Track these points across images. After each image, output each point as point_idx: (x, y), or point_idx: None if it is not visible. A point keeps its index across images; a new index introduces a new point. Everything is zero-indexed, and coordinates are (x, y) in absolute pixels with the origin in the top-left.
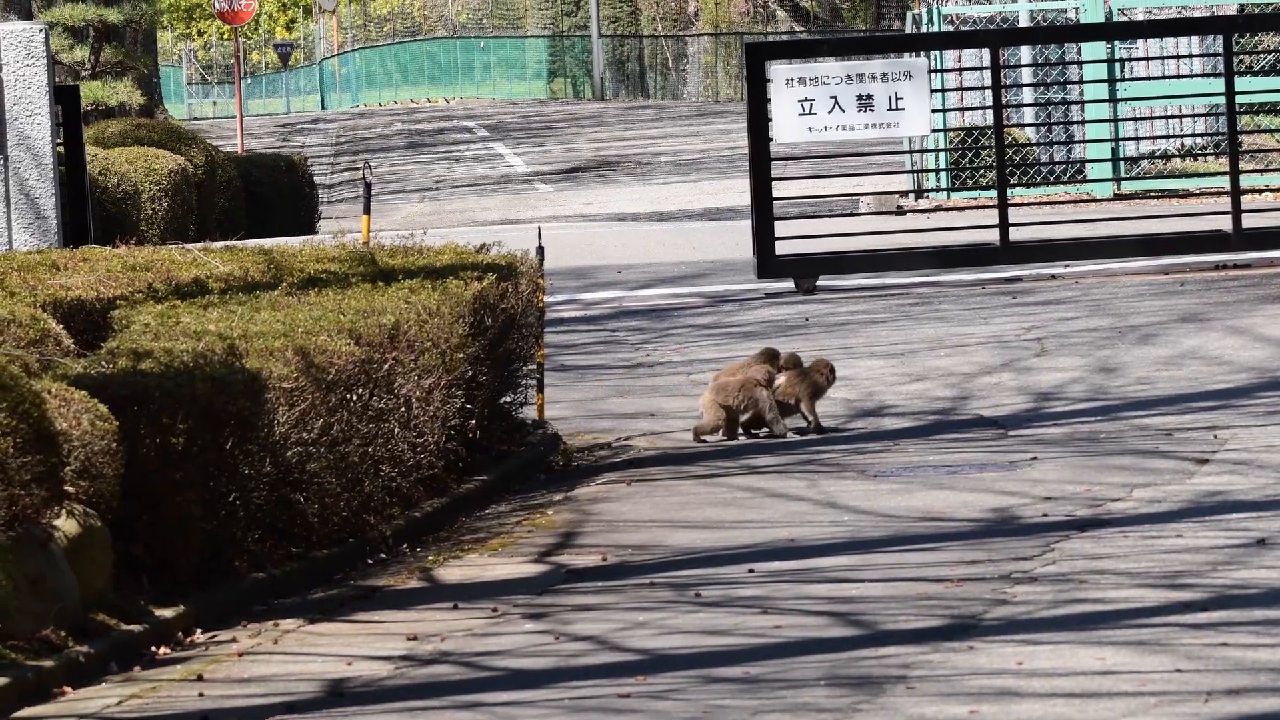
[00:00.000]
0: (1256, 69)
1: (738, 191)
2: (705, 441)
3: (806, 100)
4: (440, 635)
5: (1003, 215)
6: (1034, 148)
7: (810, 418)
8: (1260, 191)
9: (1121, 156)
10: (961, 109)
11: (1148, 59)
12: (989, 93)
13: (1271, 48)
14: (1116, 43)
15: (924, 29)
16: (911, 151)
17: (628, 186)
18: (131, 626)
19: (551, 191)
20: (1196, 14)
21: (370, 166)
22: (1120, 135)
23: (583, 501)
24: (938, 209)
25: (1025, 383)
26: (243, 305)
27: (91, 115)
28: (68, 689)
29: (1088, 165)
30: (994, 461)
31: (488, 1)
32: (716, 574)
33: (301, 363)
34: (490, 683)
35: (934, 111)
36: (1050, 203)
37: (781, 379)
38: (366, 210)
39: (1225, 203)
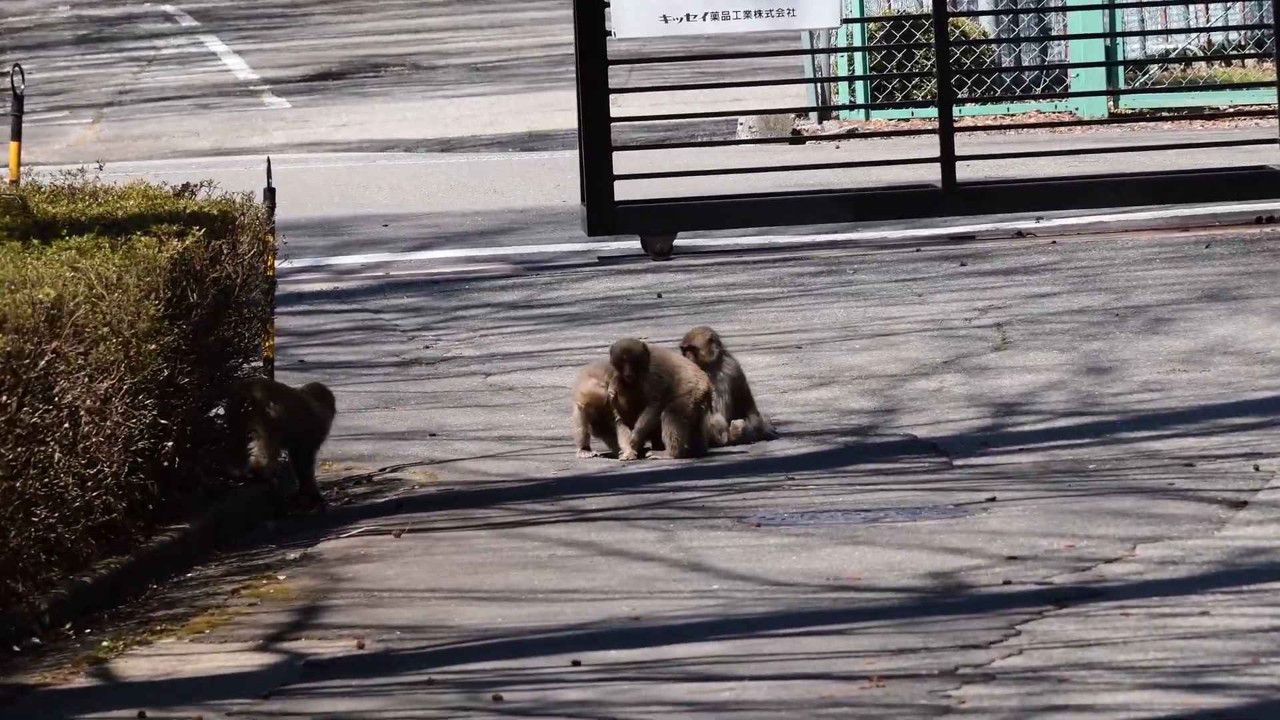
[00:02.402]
0: None
1: (560, 109)
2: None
3: None
4: None
5: (947, 144)
6: (992, 46)
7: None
8: None
9: (1120, 60)
10: None
11: None
12: None
13: None
14: None
15: None
16: (814, 52)
17: (400, 101)
18: None
19: (288, 108)
20: None
21: (21, 71)
22: (1119, 29)
23: (330, 561)
24: (852, 134)
25: (979, 389)
26: None
27: None
28: None
29: (1070, 73)
30: (933, 504)
31: None
32: (526, 668)
33: None
34: None
35: None
36: (1016, 126)
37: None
38: (16, 135)
39: (1271, 126)
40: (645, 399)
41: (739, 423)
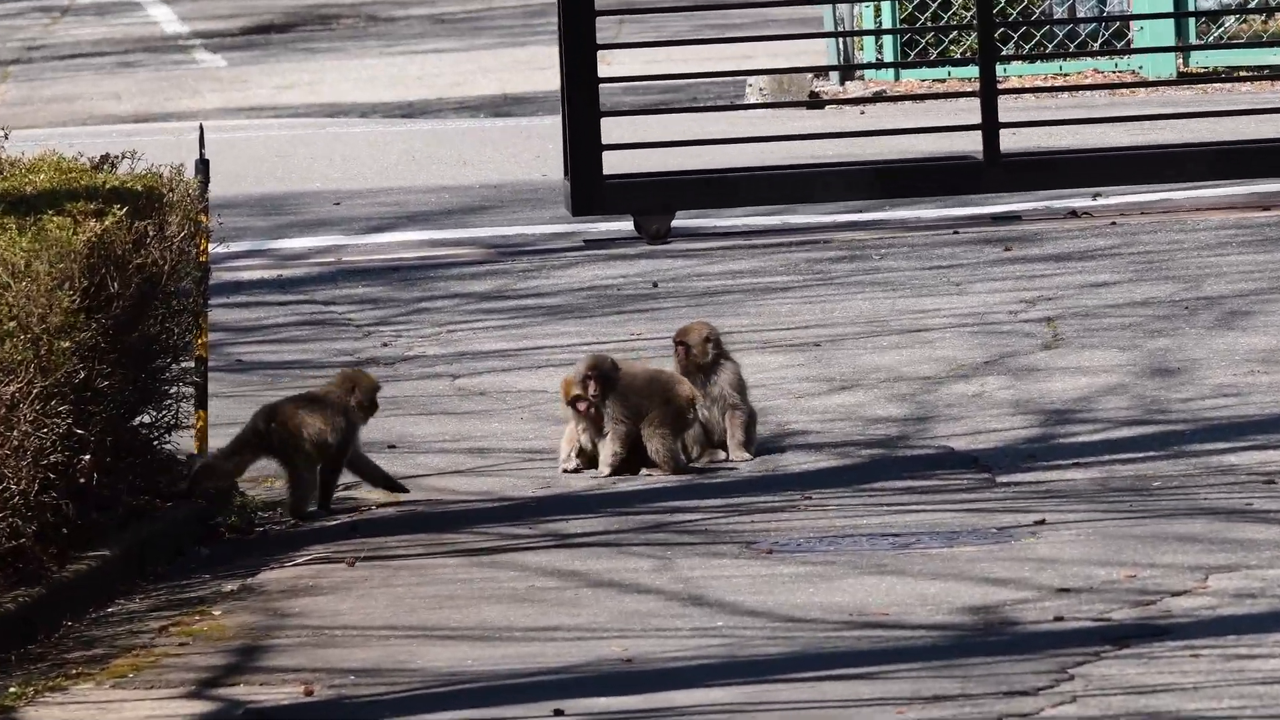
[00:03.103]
0: None
1: (540, 67)
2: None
3: None
4: None
5: (989, 109)
6: None
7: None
8: None
9: (1192, 10)
10: None
11: None
12: None
13: None
14: None
15: None
16: (836, 1)
17: (354, 58)
18: None
19: (224, 66)
20: None
21: None
22: None
23: (273, 594)
24: (879, 98)
25: (1027, 393)
26: None
27: None
28: None
29: (1133, 25)
30: (972, 527)
31: None
32: (500, 718)
33: None
34: None
35: None
36: (1070, 88)
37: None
38: None
39: None
40: (605, 420)
41: (720, 453)
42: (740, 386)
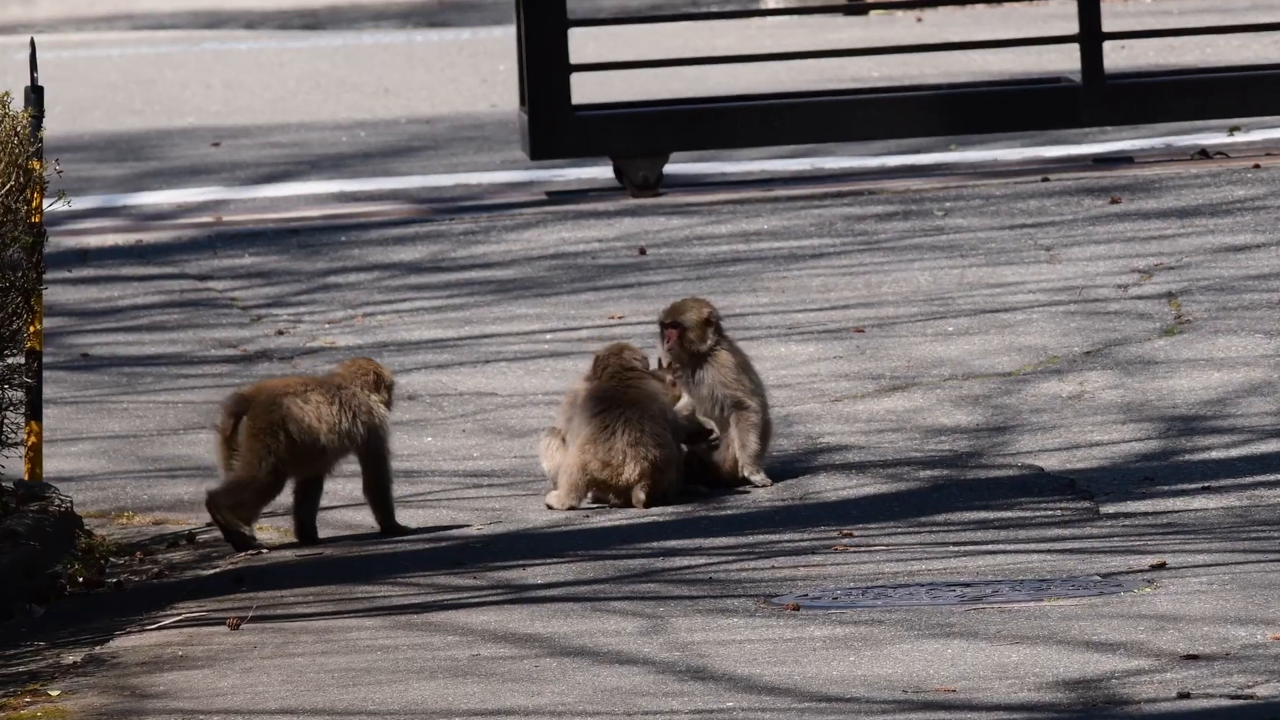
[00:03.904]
0: None
1: None
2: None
3: None
4: None
5: (1090, 14)
6: None
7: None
8: None
9: None
10: None
11: None
12: None
13: None
14: None
15: None
16: None
17: None
18: None
19: None
20: None
21: None
22: None
23: (130, 667)
24: (941, 0)
25: (1141, 394)
26: None
27: None
28: None
29: None
30: (1068, 573)
31: None
32: None
33: None
34: None
35: None
36: None
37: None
38: None
39: None
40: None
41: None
42: (747, 380)
